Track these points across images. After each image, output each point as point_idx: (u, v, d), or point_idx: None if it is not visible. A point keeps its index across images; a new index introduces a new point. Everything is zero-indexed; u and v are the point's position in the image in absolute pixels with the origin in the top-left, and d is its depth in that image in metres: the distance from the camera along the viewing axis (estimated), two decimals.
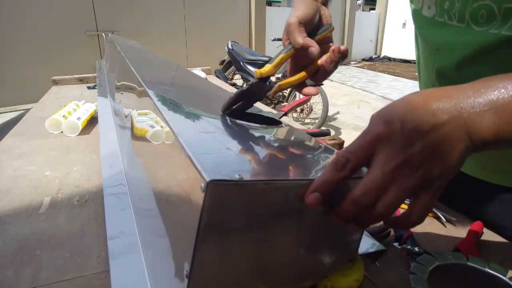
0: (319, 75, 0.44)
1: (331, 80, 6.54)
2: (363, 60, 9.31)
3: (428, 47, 0.50)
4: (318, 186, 0.26)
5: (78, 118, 0.84)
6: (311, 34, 0.43)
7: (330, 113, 4.05)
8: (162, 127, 0.36)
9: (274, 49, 4.52)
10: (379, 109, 0.27)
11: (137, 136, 0.51)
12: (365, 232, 0.40)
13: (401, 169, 0.25)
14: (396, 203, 0.25)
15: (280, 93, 4.02)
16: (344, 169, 0.26)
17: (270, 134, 0.39)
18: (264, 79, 0.40)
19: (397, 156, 0.24)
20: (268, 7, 6.41)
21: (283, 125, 0.45)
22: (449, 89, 0.27)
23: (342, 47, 0.41)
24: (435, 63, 0.49)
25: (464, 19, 0.42)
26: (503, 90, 0.26)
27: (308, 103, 3.71)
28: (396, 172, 0.25)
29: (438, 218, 0.50)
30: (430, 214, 0.49)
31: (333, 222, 0.28)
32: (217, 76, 3.34)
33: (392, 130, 0.25)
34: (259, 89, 0.40)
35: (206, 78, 1.51)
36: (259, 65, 4.09)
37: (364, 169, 0.27)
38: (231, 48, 3.93)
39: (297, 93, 3.63)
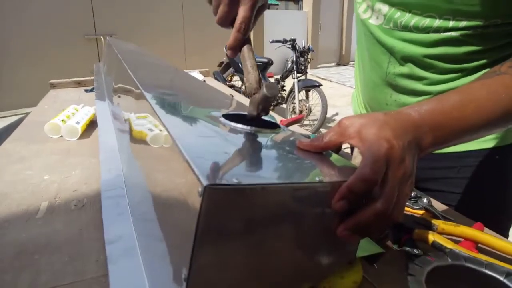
0: None
1: (330, 81, 6.55)
2: None
3: (380, 47, 0.60)
4: (346, 195, 0.29)
5: (77, 122, 0.84)
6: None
7: (329, 114, 4.06)
8: (160, 130, 0.37)
9: (273, 51, 4.53)
10: (353, 118, 0.34)
11: (136, 140, 0.51)
12: None
13: (403, 179, 0.30)
14: (404, 208, 0.32)
15: (279, 95, 4.03)
16: (373, 185, 0.29)
17: (269, 137, 0.39)
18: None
19: (399, 169, 0.30)
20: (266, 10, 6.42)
21: (282, 129, 0.45)
22: (410, 119, 0.35)
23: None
24: (394, 56, 0.59)
25: (408, 27, 0.54)
26: (440, 114, 0.36)
27: (307, 104, 3.72)
28: (401, 183, 0.30)
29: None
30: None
31: (337, 234, 0.31)
32: (216, 78, 3.35)
33: (394, 148, 0.30)
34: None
35: (204, 81, 1.51)
36: (258, 66, 4.09)
37: None
38: None
39: (295, 95, 3.63)
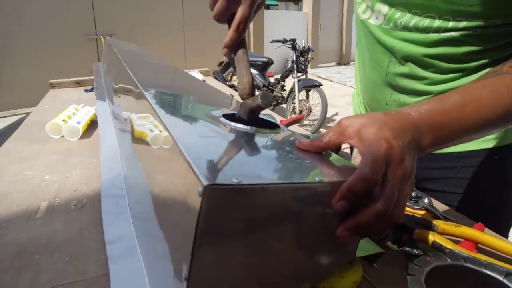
0: None
1: (331, 81, 6.55)
2: None
3: (380, 47, 0.60)
4: (346, 195, 0.29)
5: (78, 122, 0.84)
6: None
7: (329, 114, 4.06)
8: (160, 131, 0.37)
9: (273, 51, 4.53)
10: (352, 118, 0.34)
11: (137, 140, 0.51)
12: None
13: (403, 179, 0.30)
14: (404, 208, 0.32)
15: (279, 95, 4.03)
16: (373, 185, 0.29)
17: (269, 138, 0.39)
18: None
19: (399, 169, 0.30)
20: (265, 10, 6.45)
21: (282, 129, 0.45)
22: (409, 119, 0.35)
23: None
24: (394, 55, 0.58)
25: (408, 27, 0.54)
26: (439, 114, 0.36)
27: (307, 104, 3.72)
28: (401, 183, 0.30)
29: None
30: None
31: (337, 235, 0.30)
32: (216, 78, 3.35)
33: (393, 148, 0.30)
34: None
35: (204, 80, 1.51)
36: (258, 66, 4.09)
37: None
38: None
39: (295, 95, 3.63)
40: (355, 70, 0.76)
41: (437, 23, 0.51)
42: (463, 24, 0.49)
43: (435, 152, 0.61)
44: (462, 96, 0.38)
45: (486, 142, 0.58)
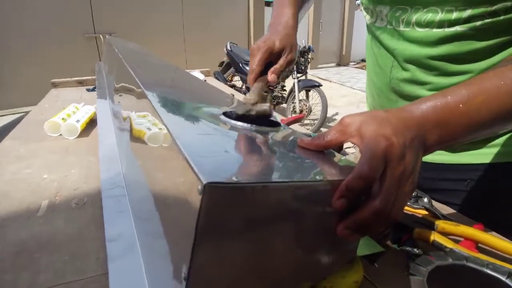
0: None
1: (330, 81, 6.55)
2: (362, 60, 9.32)
3: (384, 50, 0.60)
4: (345, 193, 0.29)
5: (77, 121, 0.84)
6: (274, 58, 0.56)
7: (329, 114, 4.05)
8: (160, 129, 0.36)
9: None
10: (354, 116, 0.33)
11: (136, 138, 0.51)
12: None
13: (402, 177, 0.30)
14: (404, 207, 0.31)
15: (279, 94, 4.02)
16: (371, 183, 0.29)
17: (269, 136, 0.39)
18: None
19: (398, 167, 0.30)
20: (266, 8, 6.42)
21: (283, 127, 0.45)
22: (412, 116, 0.34)
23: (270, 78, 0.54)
24: (397, 58, 0.58)
25: (410, 23, 0.53)
26: (444, 109, 0.34)
27: (308, 104, 3.72)
28: (400, 181, 0.30)
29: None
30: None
31: (337, 233, 0.30)
32: (216, 78, 3.34)
33: (393, 145, 0.30)
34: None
35: (205, 80, 1.51)
36: None
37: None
38: (230, 49, 3.93)
39: (295, 95, 3.63)
40: (366, 77, 0.74)
41: (439, 16, 0.48)
42: (467, 13, 0.46)
43: (442, 162, 0.60)
44: (469, 89, 0.35)
45: (499, 156, 0.55)
